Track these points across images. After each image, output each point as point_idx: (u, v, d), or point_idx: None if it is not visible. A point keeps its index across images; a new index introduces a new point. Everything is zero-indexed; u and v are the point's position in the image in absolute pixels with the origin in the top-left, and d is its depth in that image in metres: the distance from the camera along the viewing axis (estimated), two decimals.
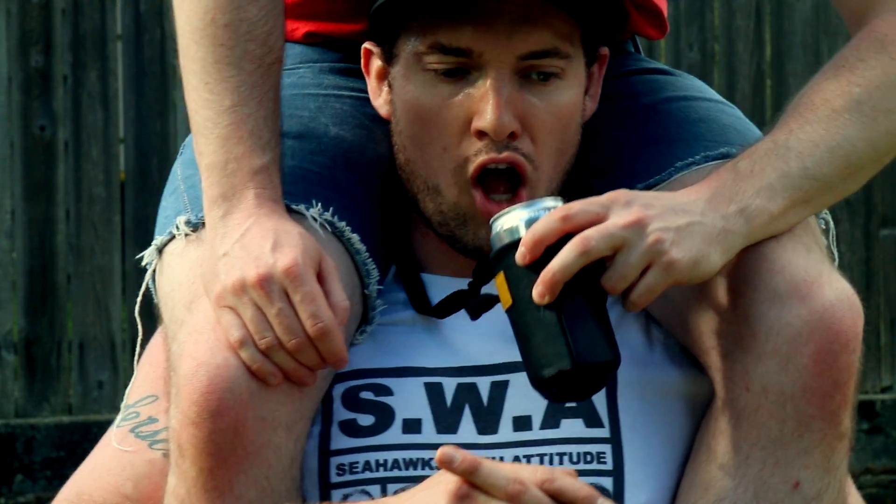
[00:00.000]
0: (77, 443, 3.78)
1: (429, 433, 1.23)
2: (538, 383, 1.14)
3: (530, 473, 1.04)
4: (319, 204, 1.21)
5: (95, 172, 3.99)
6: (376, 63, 1.28)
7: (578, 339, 1.12)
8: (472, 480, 1.03)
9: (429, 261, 1.31)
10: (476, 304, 1.22)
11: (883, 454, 4.09)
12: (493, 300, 1.19)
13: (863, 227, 4.17)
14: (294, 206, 1.20)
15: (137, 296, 1.33)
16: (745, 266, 1.18)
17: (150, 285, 1.30)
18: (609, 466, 1.22)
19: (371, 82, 1.29)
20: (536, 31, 1.21)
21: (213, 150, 1.18)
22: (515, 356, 1.17)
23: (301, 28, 1.37)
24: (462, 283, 1.22)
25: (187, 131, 1.29)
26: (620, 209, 1.15)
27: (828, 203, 1.24)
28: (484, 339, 1.23)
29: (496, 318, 1.20)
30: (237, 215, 1.15)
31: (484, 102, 1.18)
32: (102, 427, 3.88)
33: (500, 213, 1.18)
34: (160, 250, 1.27)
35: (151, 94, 4.04)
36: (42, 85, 4.01)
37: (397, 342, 1.25)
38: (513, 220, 1.17)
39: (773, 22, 4.25)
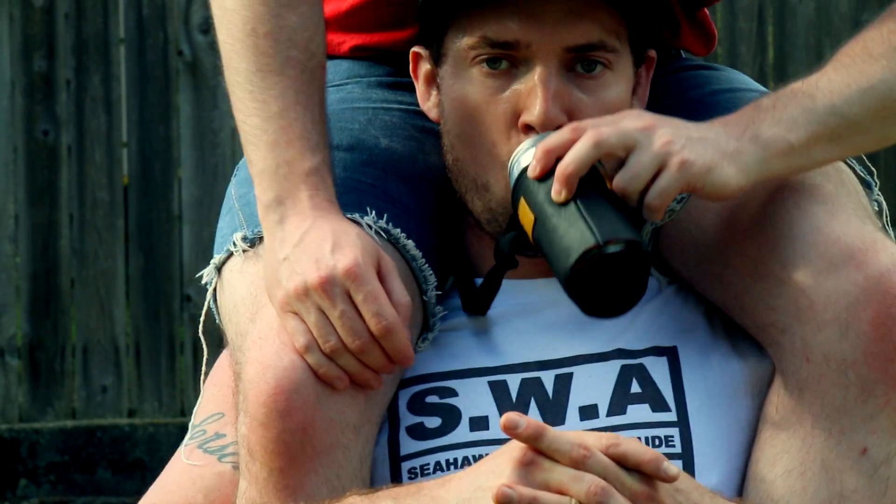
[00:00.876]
0: (81, 447, 3.84)
1: (496, 429, 1.21)
2: (569, 282, 1.12)
3: (595, 439, 1.05)
4: (374, 212, 1.23)
5: (99, 176, 4.02)
6: (425, 66, 1.30)
7: (600, 222, 1.12)
8: (536, 446, 1.04)
9: (483, 266, 1.31)
10: (507, 245, 1.22)
11: None
12: (523, 234, 1.19)
13: None
14: (348, 216, 1.21)
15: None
16: (800, 239, 1.19)
17: (212, 304, 1.31)
18: (678, 449, 1.22)
19: (420, 87, 1.31)
20: (584, 24, 1.21)
21: (264, 156, 1.19)
22: (577, 349, 1.20)
23: (348, 41, 1.38)
24: (515, 285, 1.24)
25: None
26: (633, 118, 1.17)
27: (864, 146, 1.23)
28: (545, 336, 1.24)
29: (557, 313, 1.22)
30: (294, 219, 1.17)
31: (532, 97, 1.19)
32: (107, 431, 4.07)
33: (514, 153, 1.20)
34: (219, 269, 1.28)
35: (154, 98, 4.06)
36: (45, 89, 4.04)
37: (459, 345, 1.27)
38: (526, 151, 1.19)
39: (776, 24, 4.26)
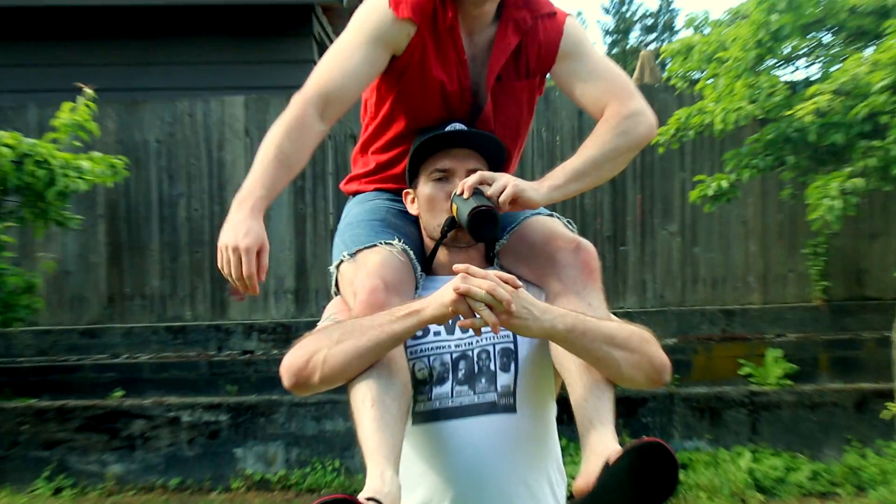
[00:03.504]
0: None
1: (443, 335, 1.92)
2: (469, 225, 1.77)
3: (492, 273, 1.62)
4: (397, 240, 1.87)
5: (321, 226, 6.02)
6: (410, 196, 2.00)
7: (479, 201, 1.79)
8: (467, 273, 1.63)
9: (440, 269, 1.98)
10: (446, 226, 1.89)
11: None
12: (451, 220, 1.86)
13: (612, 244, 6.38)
14: (388, 241, 1.87)
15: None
16: (552, 240, 1.90)
17: (333, 286, 1.92)
18: (512, 347, 1.89)
19: (409, 205, 2.00)
20: (473, 160, 1.96)
21: (245, 188, 1.81)
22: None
23: (373, 186, 2.11)
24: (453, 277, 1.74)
25: None
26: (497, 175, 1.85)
27: (596, 180, 1.92)
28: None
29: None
30: (239, 213, 1.76)
31: (456, 187, 1.88)
32: None
33: (453, 193, 1.88)
34: (337, 268, 1.89)
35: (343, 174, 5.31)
36: (297, 184, 5.96)
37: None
38: (457, 188, 1.88)
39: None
